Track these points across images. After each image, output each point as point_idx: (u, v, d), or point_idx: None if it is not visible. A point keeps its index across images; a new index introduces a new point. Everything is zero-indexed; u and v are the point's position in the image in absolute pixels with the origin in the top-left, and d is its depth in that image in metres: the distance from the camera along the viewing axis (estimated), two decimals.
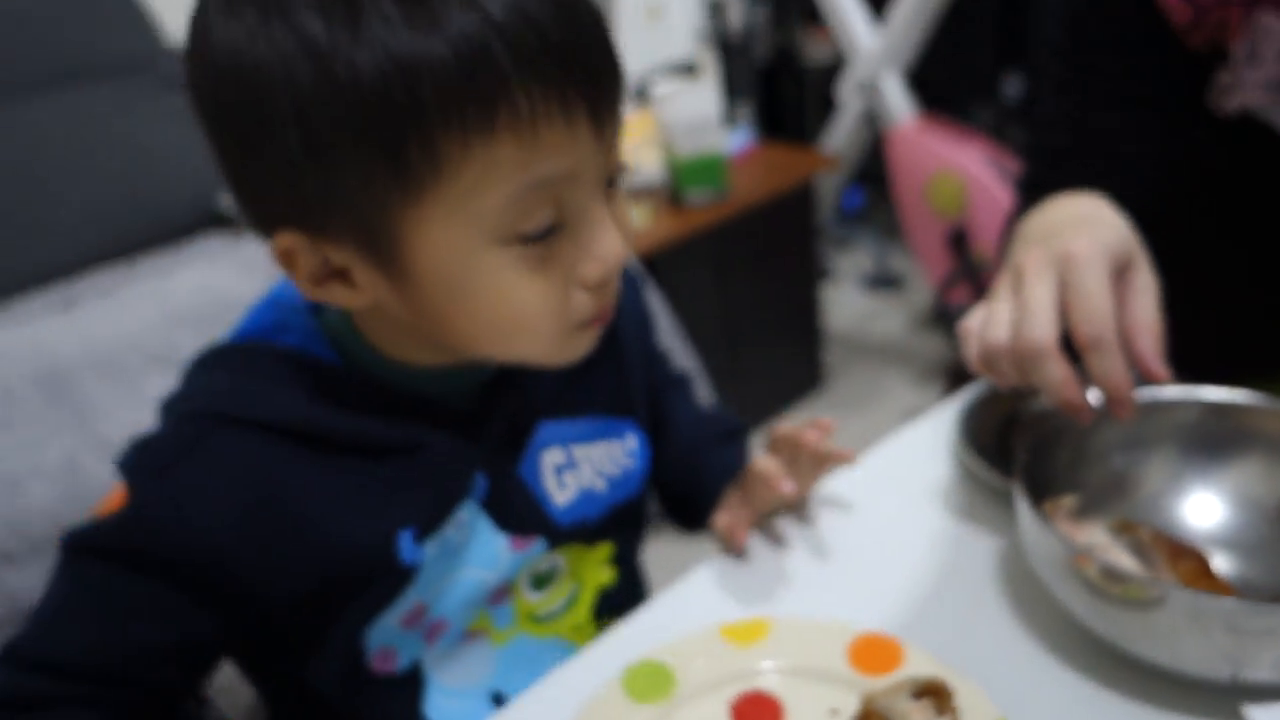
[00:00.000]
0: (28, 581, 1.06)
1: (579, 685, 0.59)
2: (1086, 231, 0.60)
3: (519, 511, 0.62)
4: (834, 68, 2.69)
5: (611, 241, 0.52)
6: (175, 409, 0.58)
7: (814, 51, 2.73)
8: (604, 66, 0.49)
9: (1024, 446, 0.62)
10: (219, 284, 1.53)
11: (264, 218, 0.52)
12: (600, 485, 0.65)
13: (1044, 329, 0.56)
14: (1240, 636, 0.51)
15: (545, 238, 0.50)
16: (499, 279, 0.50)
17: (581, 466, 0.64)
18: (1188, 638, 0.52)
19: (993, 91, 2.43)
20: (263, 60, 0.46)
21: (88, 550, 0.57)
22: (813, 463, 0.66)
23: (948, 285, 2.03)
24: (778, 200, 1.94)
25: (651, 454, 0.70)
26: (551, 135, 0.47)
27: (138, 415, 1.18)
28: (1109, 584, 0.54)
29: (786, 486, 0.64)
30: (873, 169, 2.57)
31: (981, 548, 0.68)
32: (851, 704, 0.55)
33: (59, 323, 1.45)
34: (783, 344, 2.12)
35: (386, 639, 0.60)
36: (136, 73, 1.78)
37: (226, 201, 1.73)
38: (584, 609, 0.68)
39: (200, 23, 0.49)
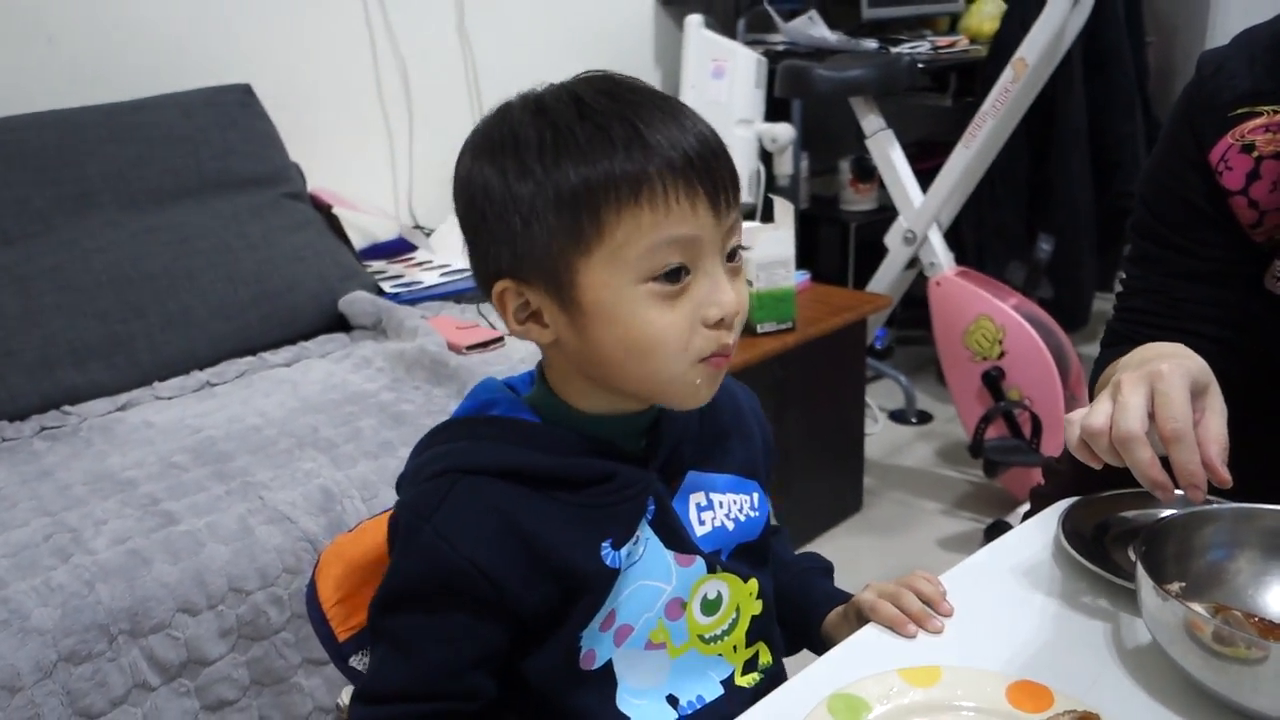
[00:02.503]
0: (203, 630, 1.19)
1: (787, 711, 0.73)
2: (1172, 359, 0.79)
3: (678, 535, 0.78)
4: (874, 216, 2.94)
5: (726, 292, 0.70)
6: (419, 475, 0.76)
7: (855, 202, 2.98)
8: (720, 170, 0.70)
9: (1141, 540, 0.78)
10: (342, 378, 1.70)
11: (488, 271, 0.73)
12: (730, 525, 0.81)
13: (1135, 421, 0.74)
14: None
15: (675, 283, 0.69)
16: (640, 308, 0.69)
17: (716, 509, 0.81)
18: None
19: (1024, 251, 2.66)
20: (497, 180, 0.70)
21: (390, 606, 0.74)
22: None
23: (984, 421, 2.21)
24: (835, 334, 2.13)
25: (769, 511, 0.87)
26: (679, 209, 0.68)
27: (299, 490, 1.33)
28: (1220, 644, 0.69)
29: (911, 631, 0.81)
30: (893, 311, 2.79)
31: (1093, 621, 0.83)
32: None
33: (203, 405, 1.60)
34: (830, 468, 2.28)
35: (591, 642, 0.75)
36: (267, 186, 1.98)
37: (344, 304, 1.91)
38: (740, 633, 0.82)
39: (463, 161, 0.74)
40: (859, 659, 0.79)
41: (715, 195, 0.69)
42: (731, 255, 0.72)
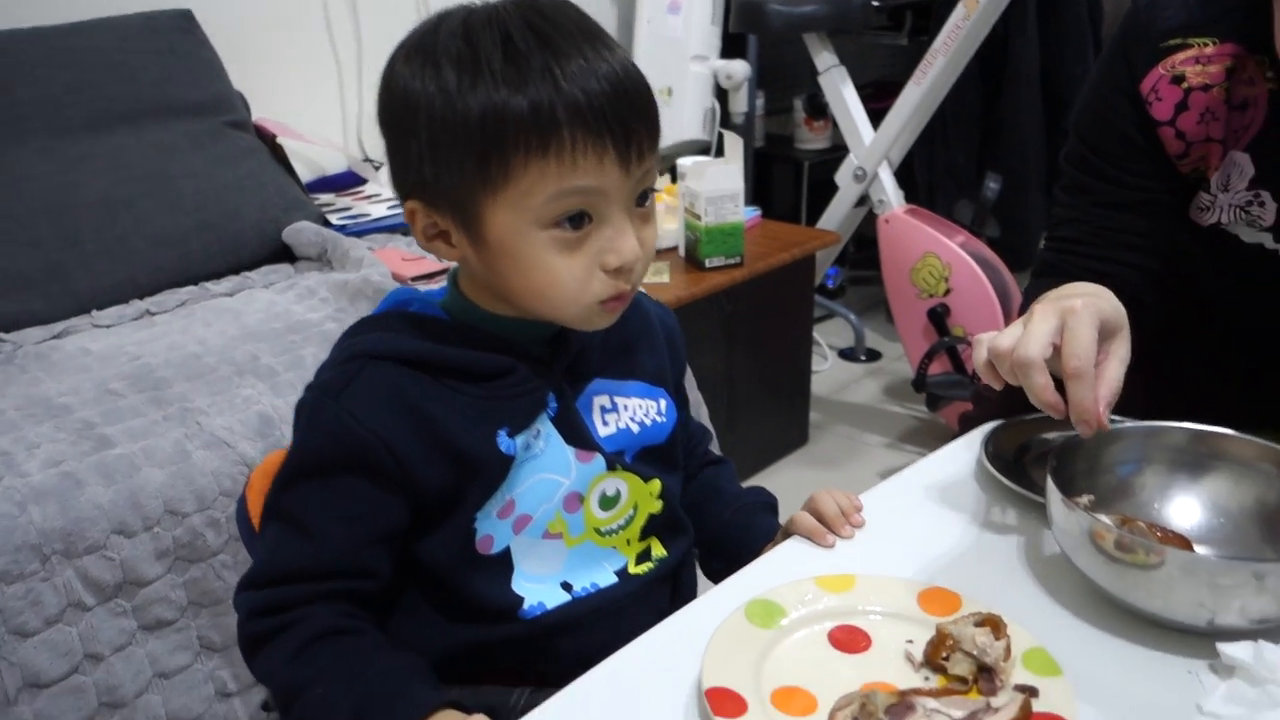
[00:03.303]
0: (139, 551, 1.19)
1: (704, 618, 0.75)
2: (1088, 296, 0.81)
3: (579, 432, 0.81)
4: (827, 155, 2.94)
5: (627, 241, 0.73)
6: (329, 364, 0.79)
7: (809, 141, 2.99)
8: (635, 125, 0.71)
9: (1052, 455, 0.80)
10: (285, 307, 1.68)
11: (402, 189, 0.76)
12: (635, 428, 0.84)
13: (1036, 349, 0.77)
14: (1217, 590, 0.69)
15: (578, 231, 0.72)
16: (540, 253, 0.72)
17: (621, 412, 0.84)
18: (1180, 591, 0.69)
19: (973, 190, 2.68)
20: (418, 92, 0.71)
21: (293, 481, 0.76)
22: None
23: (928, 357, 2.24)
24: (784, 270, 2.14)
25: (678, 418, 0.89)
26: (586, 162, 0.70)
27: (237, 415, 1.33)
28: (1121, 551, 0.71)
29: (829, 541, 0.85)
30: (845, 251, 2.81)
31: (1008, 535, 0.86)
32: (923, 637, 0.72)
33: (143, 334, 1.58)
34: (776, 402, 2.30)
35: (488, 527, 0.78)
36: (208, 114, 1.94)
37: (288, 235, 1.89)
38: (636, 528, 0.85)
39: (390, 65, 0.75)
40: (778, 569, 0.82)
41: (625, 148, 0.71)
42: (642, 199, 0.75)
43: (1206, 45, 0.95)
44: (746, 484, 1.02)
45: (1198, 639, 0.71)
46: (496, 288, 0.77)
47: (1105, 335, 0.81)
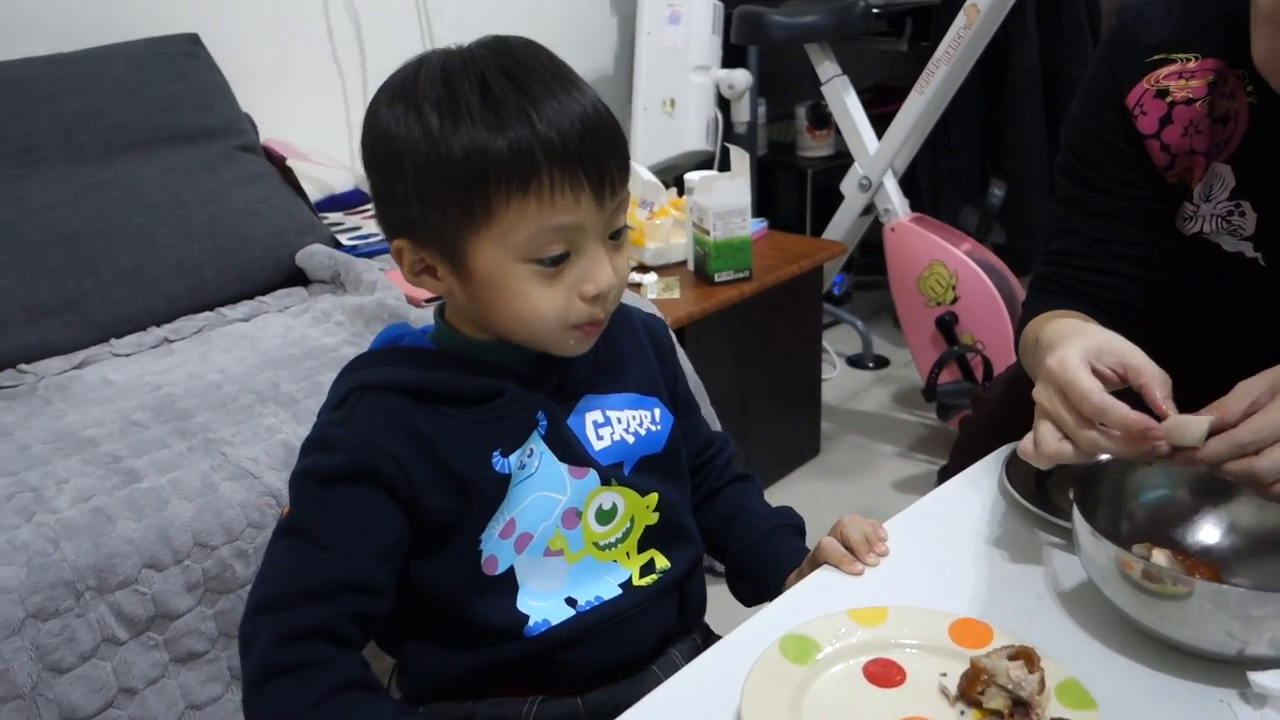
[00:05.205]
0: (170, 584, 1.20)
1: (738, 654, 0.76)
2: (1063, 343, 0.83)
3: (571, 449, 0.83)
4: (830, 163, 2.96)
5: (603, 272, 0.78)
6: (329, 403, 0.82)
7: (812, 149, 3.00)
8: (608, 163, 0.76)
9: (1075, 484, 0.81)
10: (301, 332, 1.69)
11: (389, 228, 0.81)
12: (630, 439, 0.87)
13: (1055, 444, 0.81)
14: (1247, 620, 0.70)
15: (557, 264, 0.76)
16: (522, 285, 0.77)
17: (615, 425, 0.86)
18: (1210, 622, 0.71)
19: (977, 197, 2.69)
20: (401, 136, 0.75)
21: (307, 493, 0.78)
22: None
23: (938, 366, 2.25)
24: (792, 282, 2.15)
25: (673, 423, 0.91)
26: (564, 200, 0.74)
27: (261, 445, 1.34)
28: (1149, 581, 0.73)
29: (857, 569, 0.87)
30: (850, 257, 2.82)
31: (1033, 561, 0.87)
32: (956, 669, 0.73)
33: (163, 362, 1.60)
34: (787, 414, 2.32)
35: (492, 548, 0.81)
36: (218, 139, 1.95)
37: (301, 258, 1.90)
38: (632, 541, 0.87)
39: (373, 109, 0.79)
40: (811, 602, 0.83)
41: (600, 185, 0.75)
42: (616, 235, 0.79)
43: (1189, 60, 0.97)
44: (780, 505, 1.02)
45: (1228, 667, 0.73)
46: (480, 317, 0.81)
47: (1107, 352, 0.83)
